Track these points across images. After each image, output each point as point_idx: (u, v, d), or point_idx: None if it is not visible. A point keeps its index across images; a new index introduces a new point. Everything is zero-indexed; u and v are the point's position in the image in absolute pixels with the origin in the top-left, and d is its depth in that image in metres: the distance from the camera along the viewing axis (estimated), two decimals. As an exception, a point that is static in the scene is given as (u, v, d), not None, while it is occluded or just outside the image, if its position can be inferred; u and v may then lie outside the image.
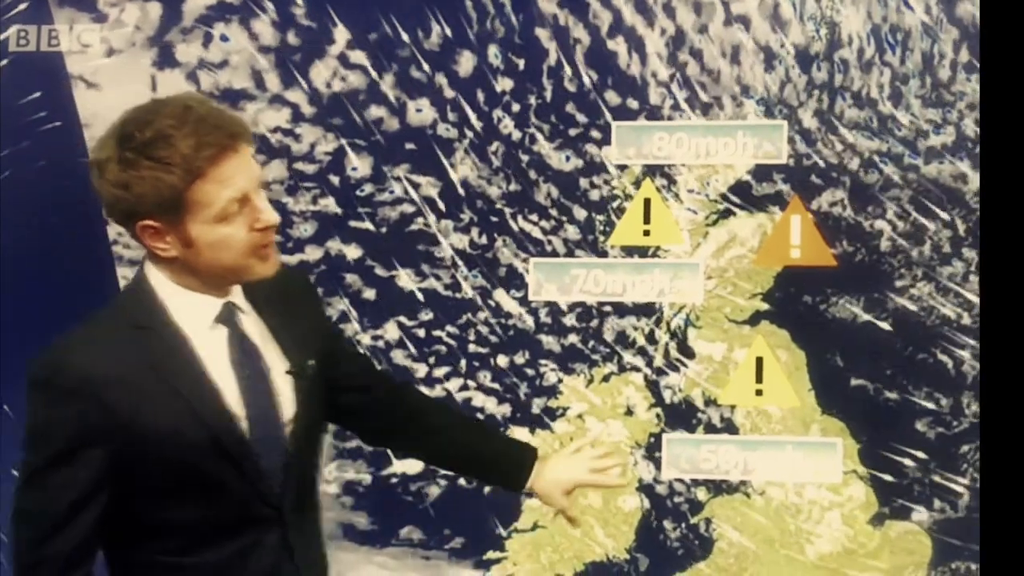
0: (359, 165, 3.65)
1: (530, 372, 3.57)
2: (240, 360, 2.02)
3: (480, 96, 3.63)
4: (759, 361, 3.48)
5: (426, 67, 3.64)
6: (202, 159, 1.90)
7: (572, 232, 3.58)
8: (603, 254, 3.56)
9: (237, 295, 2.06)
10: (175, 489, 1.97)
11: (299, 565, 2.06)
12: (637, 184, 3.57)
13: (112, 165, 1.92)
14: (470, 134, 3.62)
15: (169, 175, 1.89)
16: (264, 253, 1.99)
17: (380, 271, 3.62)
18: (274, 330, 2.08)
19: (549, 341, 3.57)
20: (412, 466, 3.58)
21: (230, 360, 2.01)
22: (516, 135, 3.61)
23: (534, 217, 3.60)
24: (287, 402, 2.05)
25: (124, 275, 3.68)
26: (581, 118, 3.60)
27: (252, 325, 2.07)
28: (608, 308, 3.55)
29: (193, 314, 2.01)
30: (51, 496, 1.94)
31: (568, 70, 3.60)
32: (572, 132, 3.60)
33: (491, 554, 3.54)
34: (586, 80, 3.60)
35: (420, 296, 3.60)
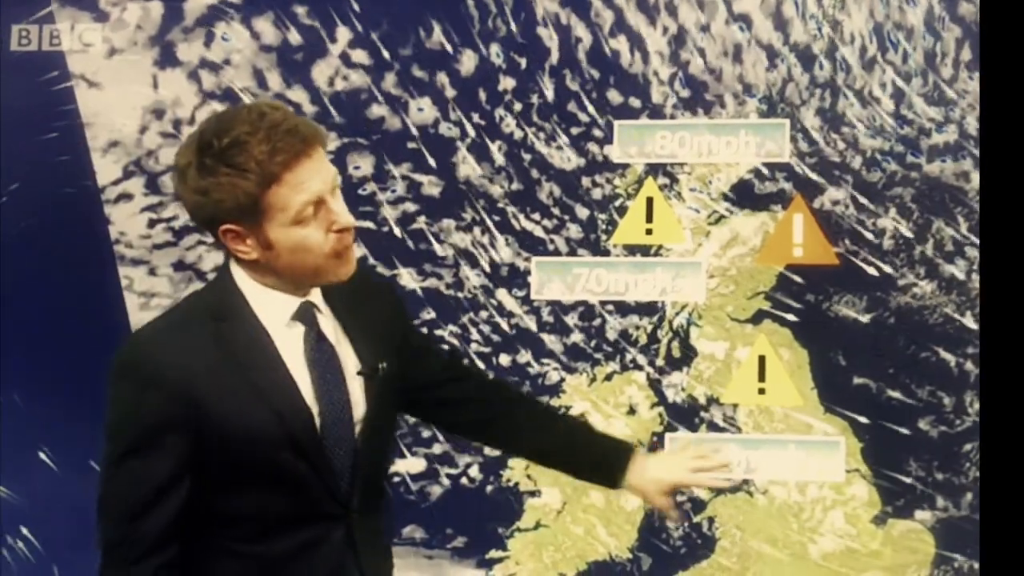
0: (361, 164, 3.64)
1: (533, 371, 3.57)
2: (316, 358, 2.06)
3: (482, 95, 3.63)
4: (761, 360, 3.48)
5: (428, 66, 3.64)
6: (276, 164, 1.94)
7: (574, 231, 3.58)
8: (605, 253, 3.56)
9: (315, 295, 2.10)
10: (249, 480, 2.03)
11: (362, 563, 2.10)
12: (639, 183, 3.57)
13: (192, 171, 1.97)
14: (472, 133, 3.62)
15: (245, 181, 1.94)
16: (343, 255, 2.03)
17: (382, 270, 3.62)
18: (349, 331, 2.12)
19: (551, 340, 3.57)
20: (414, 465, 3.58)
21: (306, 358, 2.06)
22: (518, 134, 3.61)
23: (536, 216, 3.60)
24: (358, 402, 2.10)
25: (126, 275, 3.68)
26: (583, 117, 3.60)
27: (328, 325, 2.10)
28: (610, 307, 3.55)
29: (272, 310, 2.06)
30: (137, 481, 2.00)
31: (570, 69, 3.60)
32: (574, 131, 3.60)
33: (493, 553, 3.54)
34: (588, 79, 3.60)
35: (422, 295, 3.60)
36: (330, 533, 2.08)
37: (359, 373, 2.10)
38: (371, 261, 3.61)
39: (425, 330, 3.58)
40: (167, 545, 2.02)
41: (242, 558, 2.06)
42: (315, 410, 2.04)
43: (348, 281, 2.10)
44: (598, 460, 2.35)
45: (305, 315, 2.08)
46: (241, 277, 2.07)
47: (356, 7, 3.66)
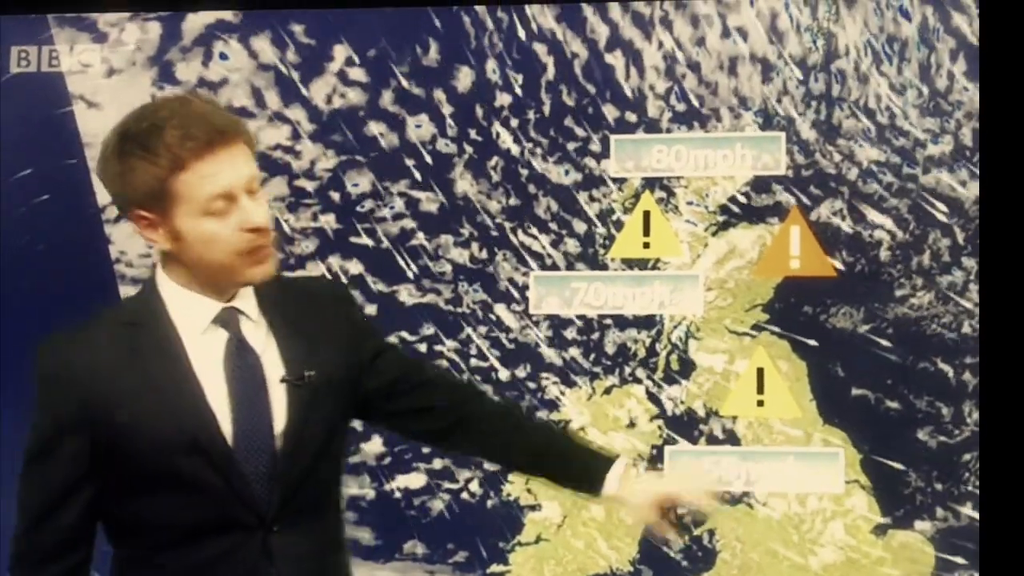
0: (359, 181, 3.66)
1: (532, 385, 3.58)
2: (234, 365, 2.02)
3: (479, 111, 3.64)
4: (760, 372, 3.48)
5: (425, 83, 3.66)
6: (186, 151, 1.93)
7: (572, 245, 3.59)
8: (603, 267, 3.57)
9: (244, 301, 2.06)
10: (158, 487, 1.98)
11: (281, 573, 2.03)
12: (636, 197, 3.58)
13: (111, 154, 1.98)
14: (469, 149, 3.64)
15: (155, 166, 1.94)
16: (257, 256, 2.00)
17: (381, 287, 3.63)
18: (284, 339, 2.07)
19: (550, 354, 3.58)
20: (415, 480, 3.58)
21: (224, 364, 2.01)
22: (515, 150, 3.63)
23: (534, 231, 3.61)
24: (282, 410, 2.03)
25: (126, 294, 3.69)
26: (580, 132, 3.61)
27: (256, 331, 2.06)
28: (609, 321, 3.56)
29: (190, 315, 2.03)
30: (39, 486, 1.99)
31: (566, 84, 3.62)
32: (571, 146, 3.61)
33: (495, 567, 3.54)
34: (584, 94, 3.61)
35: (421, 311, 3.61)
36: (245, 542, 2.01)
37: (282, 381, 2.04)
38: (370, 278, 3.63)
39: (424, 346, 3.59)
40: (69, 551, 2.00)
41: (160, 569, 2.01)
42: (226, 416, 1.99)
43: (294, 290, 2.12)
44: (576, 465, 2.24)
45: (227, 321, 2.04)
46: (163, 280, 2.04)
47: (353, 25, 3.68)
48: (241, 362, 2.02)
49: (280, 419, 2.03)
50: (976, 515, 3.33)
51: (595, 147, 3.60)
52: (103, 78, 3.75)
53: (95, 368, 1.98)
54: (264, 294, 2.09)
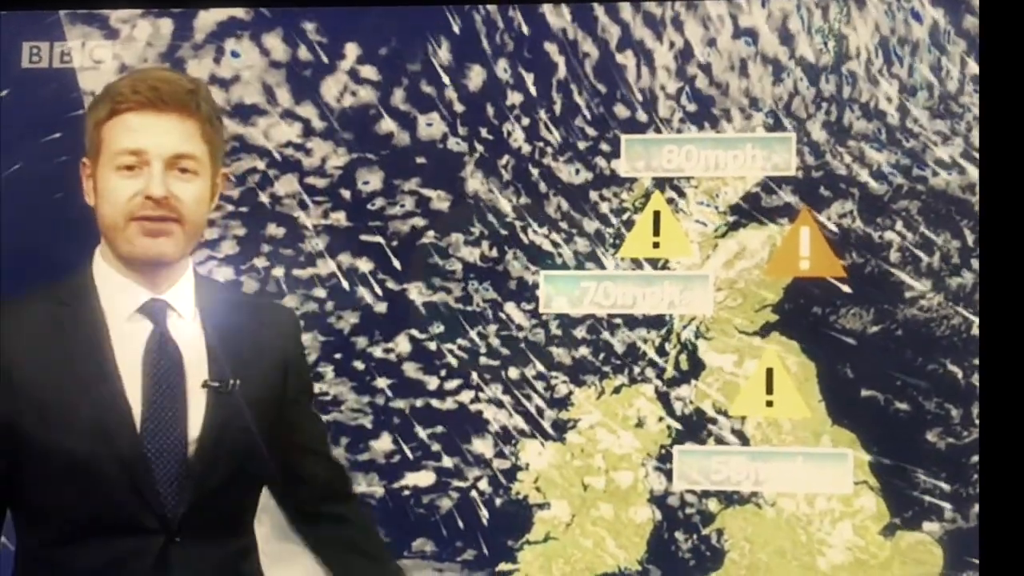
0: (370, 179, 3.66)
1: (541, 385, 3.58)
2: (153, 360, 1.98)
3: (490, 110, 3.65)
4: (769, 372, 3.49)
5: (436, 82, 3.66)
6: (124, 102, 1.97)
7: (582, 245, 3.60)
8: (613, 267, 3.57)
9: (178, 296, 2.05)
10: (60, 472, 1.94)
11: None
12: (646, 197, 3.58)
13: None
14: (480, 148, 3.64)
15: (97, 111, 2.01)
16: (150, 228, 1.98)
17: (391, 284, 3.63)
18: (215, 344, 2.04)
19: (560, 353, 3.58)
20: (424, 479, 3.59)
21: (143, 357, 1.98)
22: (526, 148, 3.63)
23: (544, 230, 3.61)
24: (198, 415, 1.99)
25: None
26: (590, 131, 3.61)
27: (186, 330, 2.03)
28: (618, 320, 3.57)
29: (118, 301, 2.02)
30: None
31: (577, 84, 3.62)
32: (581, 145, 3.61)
33: (503, 566, 3.54)
34: (595, 93, 3.61)
35: (431, 310, 3.62)
36: (144, 550, 1.94)
37: (204, 385, 2.00)
38: (380, 275, 3.63)
39: (433, 344, 3.59)
40: None
41: (59, 568, 1.96)
42: (137, 411, 1.95)
43: (242, 303, 2.14)
44: None
45: (153, 312, 2.02)
46: (98, 262, 2.06)
47: (365, 24, 3.68)
48: (161, 357, 1.99)
49: (197, 424, 1.99)
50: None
51: (606, 147, 3.61)
52: (115, 75, 3.74)
53: (19, 342, 1.95)
54: (206, 295, 2.08)
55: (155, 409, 1.96)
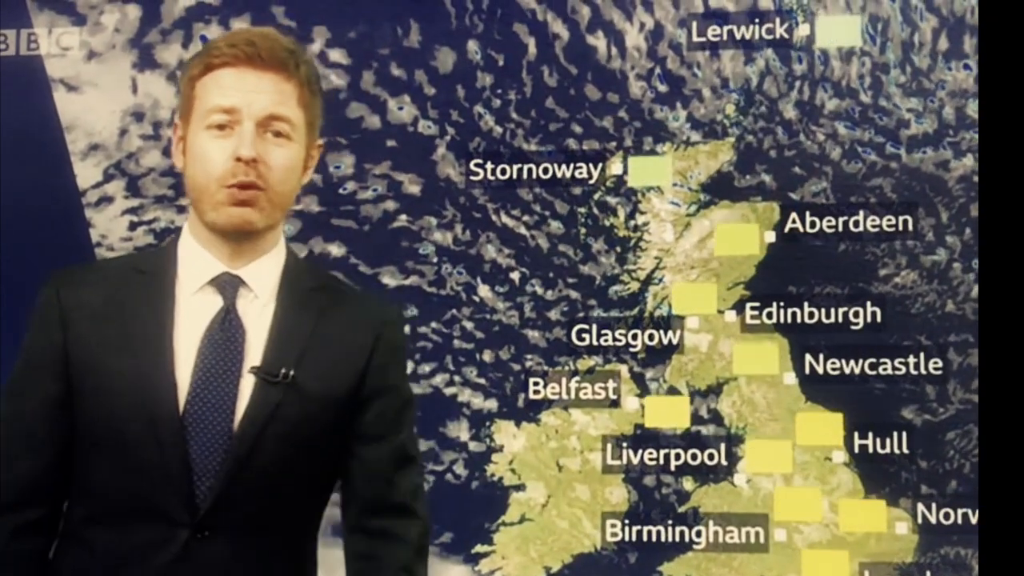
0: (341, 163, 3.65)
1: (516, 367, 3.57)
2: (214, 338, 1.85)
3: (460, 92, 3.63)
4: (743, 350, 3.47)
5: (405, 64, 3.64)
6: (218, 59, 1.86)
7: (555, 227, 3.58)
8: (586, 247, 3.56)
9: (255, 274, 1.90)
10: (103, 444, 1.84)
11: None
12: (619, 177, 3.57)
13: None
14: (451, 130, 3.62)
15: (192, 66, 1.90)
16: (236, 196, 1.84)
17: (364, 269, 3.61)
18: (283, 331, 1.89)
19: (534, 335, 3.57)
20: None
21: (204, 334, 1.86)
22: (497, 131, 3.61)
23: (517, 212, 3.60)
24: (246, 400, 1.84)
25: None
26: (562, 113, 3.60)
27: (257, 310, 1.89)
28: (592, 301, 3.55)
29: (193, 272, 1.89)
30: (13, 419, 1.88)
31: (547, 65, 3.61)
32: (552, 127, 3.60)
33: (479, 548, 3.52)
34: (566, 74, 3.60)
35: (404, 293, 3.60)
36: (167, 540, 1.81)
37: (251, 370, 1.84)
38: (352, 260, 3.61)
39: (407, 328, 3.58)
40: (34, 502, 1.85)
41: (86, 546, 1.85)
42: (184, 387, 1.82)
43: (338, 295, 1.96)
44: None
45: (223, 287, 1.89)
46: (185, 234, 1.94)
47: (333, 7, 3.67)
48: (222, 336, 1.85)
49: (242, 410, 1.84)
50: (962, 492, 3.34)
51: (577, 128, 3.59)
52: (83, 62, 3.74)
53: (85, 306, 1.87)
54: (297, 277, 1.94)
55: (201, 391, 1.82)
